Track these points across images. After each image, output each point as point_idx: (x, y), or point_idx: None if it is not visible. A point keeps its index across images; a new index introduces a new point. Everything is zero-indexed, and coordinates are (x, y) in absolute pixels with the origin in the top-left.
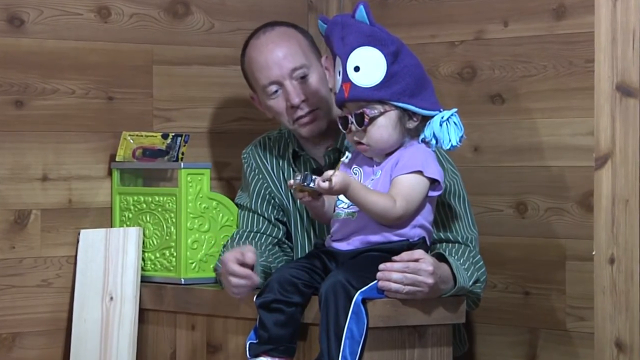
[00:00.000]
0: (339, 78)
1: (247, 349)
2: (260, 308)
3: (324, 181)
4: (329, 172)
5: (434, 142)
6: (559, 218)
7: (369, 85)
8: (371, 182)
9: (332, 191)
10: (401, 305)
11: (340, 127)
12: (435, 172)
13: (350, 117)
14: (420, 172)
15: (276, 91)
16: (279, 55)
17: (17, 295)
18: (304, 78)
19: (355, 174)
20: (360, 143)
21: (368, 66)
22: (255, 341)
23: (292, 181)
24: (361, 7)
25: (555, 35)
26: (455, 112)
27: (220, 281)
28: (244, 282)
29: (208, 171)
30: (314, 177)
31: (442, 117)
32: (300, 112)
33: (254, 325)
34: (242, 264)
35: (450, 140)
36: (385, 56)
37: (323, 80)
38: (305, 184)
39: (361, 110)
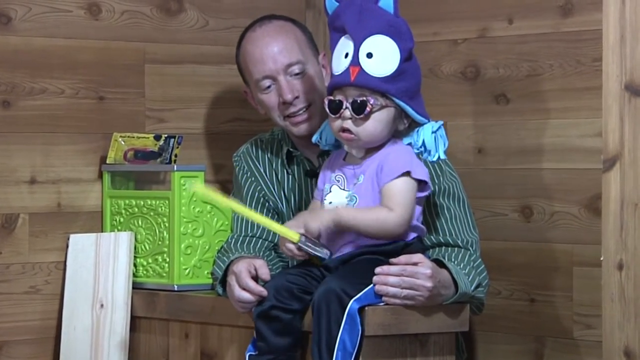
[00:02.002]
0: (345, 60)
1: None
2: (257, 318)
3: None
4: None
5: (422, 150)
6: (566, 222)
7: (378, 75)
8: (354, 187)
9: (324, 231)
10: (402, 312)
11: (327, 110)
12: (422, 173)
13: (345, 102)
14: (408, 174)
15: (269, 86)
16: (275, 50)
17: (5, 302)
18: (298, 74)
19: (338, 181)
20: (347, 131)
21: (382, 56)
22: (254, 353)
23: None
24: None
25: (562, 33)
26: (442, 124)
27: (220, 288)
28: (254, 299)
29: (202, 174)
30: (323, 254)
31: (433, 128)
32: (292, 109)
33: (249, 333)
34: (255, 278)
35: (437, 152)
36: (401, 51)
37: (319, 78)
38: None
39: (365, 99)
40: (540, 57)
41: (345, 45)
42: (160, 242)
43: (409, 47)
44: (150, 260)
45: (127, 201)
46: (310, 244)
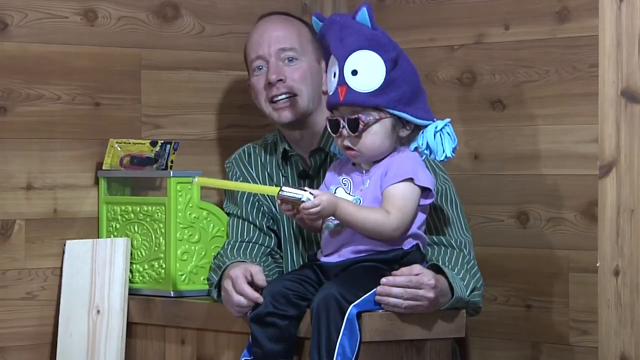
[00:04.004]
0: (334, 80)
1: None
2: (253, 322)
3: (310, 207)
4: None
5: (427, 152)
6: (562, 228)
7: (366, 90)
8: (360, 193)
9: (321, 215)
10: (398, 318)
11: (329, 130)
12: (426, 180)
13: (342, 121)
14: (410, 180)
15: (261, 68)
16: (273, 35)
17: (1, 308)
18: (291, 61)
19: (345, 184)
20: (350, 148)
21: (367, 71)
22: (249, 358)
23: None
24: (364, 9)
25: (558, 39)
26: (449, 122)
27: (215, 293)
28: (250, 304)
29: None
30: (301, 195)
31: (436, 128)
32: (275, 91)
33: (245, 339)
34: (251, 284)
35: (444, 152)
36: (385, 62)
37: (312, 74)
38: (287, 194)
39: (356, 116)
40: (536, 63)
41: (332, 65)
42: (156, 248)
43: (392, 56)
44: (146, 266)
45: (123, 207)
46: (289, 192)
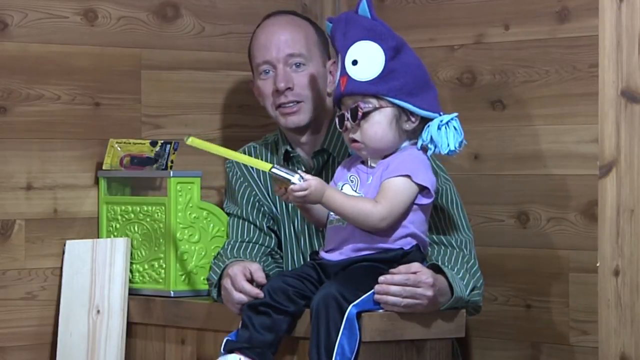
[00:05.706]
0: (338, 73)
1: (223, 344)
2: (248, 309)
3: (298, 190)
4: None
5: (432, 146)
6: (562, 228)
7: (365, 79)
8: (365, 189)
9: (307, 199)
10: (398, 318)
11: (337, 126)
12: (426, 179)
13: (346, 113)
14: (408, 177)
15: (268, 72)
16: (281, 39)
17: (1, 308)
18: (298, 67)
19: (352, 181)
20: (354, 141)
21: (366, 60)
22: (233, 340)
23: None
24: (364, 1)
25: (558, 39)
26: (456, 116)
27: (215, 292)
28: (250, 300)
29: (198, 180)
30: (292, 177)
31: (441, 121)
32: (283, 99)
33: None
34: (250, 282)
35: (448, 145)
36: (384, 51)
37: (320, 78)
38: (279, 173)
39: (355, 104)
40: (536, 63)
41: (339, 60)
42: (156, 248)
43: (391, 45)
44: (146, 266)
45: (123, 207)
46: (280, 171)
